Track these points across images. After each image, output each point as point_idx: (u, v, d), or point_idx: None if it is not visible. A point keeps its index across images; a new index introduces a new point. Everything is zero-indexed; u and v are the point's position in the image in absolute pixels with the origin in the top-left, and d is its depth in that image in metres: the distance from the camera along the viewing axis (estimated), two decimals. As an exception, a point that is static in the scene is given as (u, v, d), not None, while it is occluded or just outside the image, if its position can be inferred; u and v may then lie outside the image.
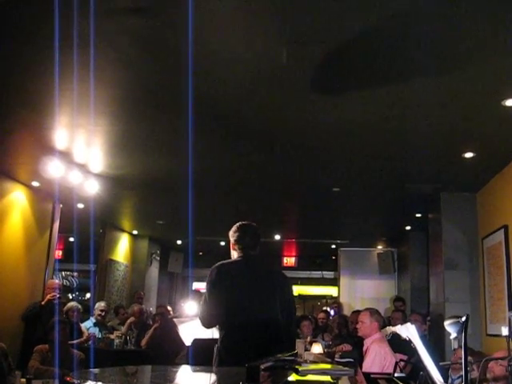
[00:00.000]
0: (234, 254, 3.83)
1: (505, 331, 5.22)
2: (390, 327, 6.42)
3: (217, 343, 3.54)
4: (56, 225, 8.25)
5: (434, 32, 3.41)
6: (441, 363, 4.63)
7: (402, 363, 3.65)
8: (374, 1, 3.14)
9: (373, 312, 5.02)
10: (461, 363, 4.27)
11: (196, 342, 4.25)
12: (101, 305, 8.25)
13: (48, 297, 7.24)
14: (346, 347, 6.18)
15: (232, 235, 3.84)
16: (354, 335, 6.41)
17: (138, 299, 9.99)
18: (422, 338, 3.78)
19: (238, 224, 3.89)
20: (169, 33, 3.54)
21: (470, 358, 4.38)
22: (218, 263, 3.69)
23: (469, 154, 5.53)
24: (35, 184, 7.37)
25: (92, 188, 6.92)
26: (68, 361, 5.86)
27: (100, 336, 7.69)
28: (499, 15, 3.19)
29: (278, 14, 3.31)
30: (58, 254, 9.54)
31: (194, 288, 15.69)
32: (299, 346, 4.96)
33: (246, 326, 3.47)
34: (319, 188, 7.30)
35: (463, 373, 2.26)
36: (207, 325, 3.65)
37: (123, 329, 7.99)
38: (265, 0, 3.19)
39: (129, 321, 8.04)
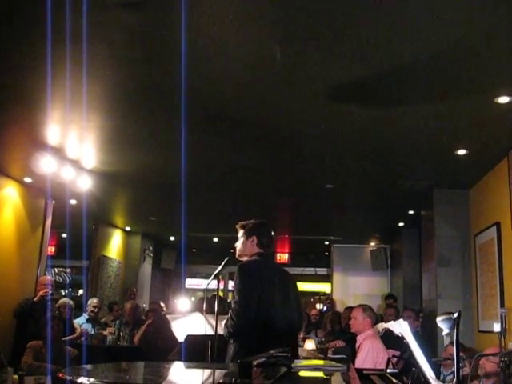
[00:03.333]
0: (249, 251, 3.86)
1: (497, 327, 5.26)
2: (383, 323, 6.43)
3: (234, 341, 3.56)
4: (48, 221, 8.22)
5: (427, 31, 3.42)
6: (433, 359, 4.66)
7: (395, 359, 3.65)
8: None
9: (365, 308, 5.03)
10: (452, 359, 4.28)
11: (189, 338, 4.24)
12: (93, 301, 8.23)
13: (40, 293, 7.21)
14: (339, 343, 6.20)
15: (251, 233, 3.87)
16: (347, 331, 6.41)
17: (131, 295, 9.97)
18: (415, 334, 3.79)
19: (257, 222, 3.94)
20: (162, 29, 3.53)
21: (461, 354, 4.40)
22: (245, 262, 3.77)
23: (461, 151, 5.55)
24: (27, 180, 7.34)
25: (84, 184, 6.90)
26: (61, 357, 5.85)
27: (93, 332, 7.67)
28: (493, 15, 3.20)
29: (273, 11, 3.31)
30: (51, 250, 9.50)
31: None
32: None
33: (275, 325, 3.55)
34: (312, 184, 7.31)
35: (455, 369, 2.26)
36: (244, 321, 3.49)
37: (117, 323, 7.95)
38: (258, -4, 3.19)
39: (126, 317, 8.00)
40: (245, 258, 3.86)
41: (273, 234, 3.99)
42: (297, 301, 3.90)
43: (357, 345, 4.93)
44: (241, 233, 3.93)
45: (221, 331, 3.66)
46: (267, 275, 3.71)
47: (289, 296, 3.80)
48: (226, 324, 3.57)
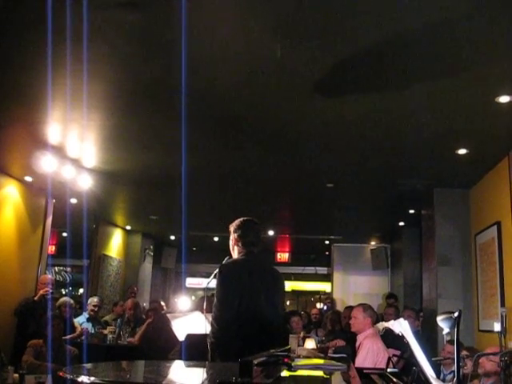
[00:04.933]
0: (235, 250, 3.81)
1: (497, 327, 5.25)
2: (383, 323, 6.42)
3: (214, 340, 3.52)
4: (49, 220, 8.22)
5: (430, 31, 3.41)
6: (433, 358, 4.66)
7: (395, 358, 3.66)
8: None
9: (366, 307, 5.02)
10: (452, 358, 4.29)
11: (189, 337, 4.24)
12: (94, 300, 8.23)
13: (41, 292, 7.22)
14: (339, 343, 6.19)
15: (235, 230, 3.81)
16: (347, 331, 6.42)
17: (131, 294, 9.98)
18: (415, 333, 3.79)
19: (241, 220, 3.86)
20: (162, 27, 3.53)
21: (463, 353, 4.40)
22: (226, 262, 3.70)
23: (462, 151, 5.55)
24: (28, 179, 7.35)
25: (85, 183, 6.90)
26: (61, 356, 5.86)
27: (93, 331, 7.68)
28: (494, 14, 3.20)
29: (273, 9, 3.31)
30: (51, 249, 9.50)
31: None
32: (292, 341, 4.97)
33: (255, 325, 3.48)
34: (313, 184, 7.31)
35: (455, 368, 2.26)
36: (224, 325, 3.47)
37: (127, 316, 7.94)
38: (259, -5, 3.19)
39: (127, 315, 8.00)
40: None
41: (259, 231, 3.88)
42: (280, 303, 3.81)
43: (357, 344, 4.93)
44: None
45: None
46: (249, 275, 3.61)
47: (275, 297, 3.68)
48: (208, 336, 3.51)
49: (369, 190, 7.45)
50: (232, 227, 3.85)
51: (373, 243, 11.79)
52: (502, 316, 5.31)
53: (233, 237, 3.83)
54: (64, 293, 11.25)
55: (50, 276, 7.99)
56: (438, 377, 4.58)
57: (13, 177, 7.30)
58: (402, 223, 9.75)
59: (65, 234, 10.27)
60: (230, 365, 2.81)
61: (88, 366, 2.93)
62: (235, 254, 3.81)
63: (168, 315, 5.22)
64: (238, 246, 3.79)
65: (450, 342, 5.29)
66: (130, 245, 12.09)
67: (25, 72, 4.20)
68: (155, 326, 7.38)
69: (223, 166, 6.62)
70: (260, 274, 3.71)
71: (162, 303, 9.78)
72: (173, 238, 12.55)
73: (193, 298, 13.07)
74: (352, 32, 3.50)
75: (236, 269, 3.64)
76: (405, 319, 2.79)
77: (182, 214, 7.65)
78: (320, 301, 14.51)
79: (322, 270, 14.46)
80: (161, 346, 6.56)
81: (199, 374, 2.66)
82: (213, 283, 4.16)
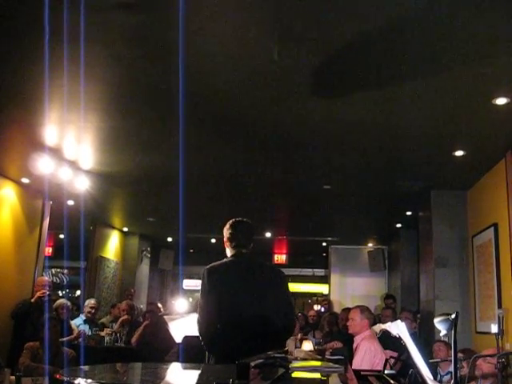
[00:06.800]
0: (227, 251, 3.82)
1: (494, 328, 5.26)
2: (381, 324, 6.43)
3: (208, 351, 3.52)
4: (46, 222, 8.21)
5: (425, 32, 3.42)
6: (430, 360, 4.66)
7: (392, 360, 3.66)
8: (366, 2, 3.15)
9: (363, 309, 5.02)
10: (450, 360, 4.30)
11: (186, 339, 4.24)
12: (91, 302, 8.22)
13: (38, 294, 7.20)
14: (337, 344, 6.20)
15: (225, 232, 3.81)
16: (345, 332, 6.42)
17: (128, 296, 9.97)
18: (412, 335, 3.79)
19: (231, 221, 3.85)
20: (160, 29, 3.53)
21: (460, 354, 4.41)
22: (209, 266, 3.65)
23: (459, 153, 5.56)
24: (25, 181, 7.33)
25: (82, 185, 6.90)
26: (58, 358, 5.84)
27: (90, 333, 7.67)
28: (491, 16, 3.20)
29: (271, 11, 3.31)
30: (48, 250, 9.50)
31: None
32: (289, 343, 4.97)
33: (242, 328, 3.43)
34: (310, 186, 7.31)
35: (453, 370, 2.26)
36: (205, 328, 3.46)
37: (115, 326, 7.94)
38: (256, -3, 3.19)
39: (121, 318, 7.98)
40: None
41: (250, 231, 3.86)
42: (281, 300, 3.63)
43: (354, 346, 4.93)
44: None
45: None
46: (235, 277, 3.59)
47: (265, 297, 3.58)
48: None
49: (366, 191, 7.46)
50: (224, 228, 3.87)
51: (370, 245, 11.80)
52: (499, 318, 5.32)
53: (225, 238, 3.84)
54: (61, 295, 11.25)
55: (46, 278, 7.97)
56: (434, 378, 4.58)
57: (10, 178, 7.28)
58: (399, 225, 9.76)
59: (62, 236, 10.24)
60: (227, 366, 2.81)
61: (85, 368, 2.92)
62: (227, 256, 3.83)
63: (165, 317, 5.21)
64: (228, 247, 3.80)
65: (439, 340, 5.37)
66: (127, 247, 12.07)
67: (22, 73, 4.20)
68: (152, 328, 7.37)
69: (221, 168, 6.62)
70: (248, 274, 3.65)
71: (159, 305, 9.76)
72: (170, 239, 12.54)
73: (190, 299, 13.06)
74: (349, 32, 3.51)
75: (219, 271, 3.60)
76: (402, 321, 2.80)
77: (179, 216, 7.64)
78: (317, 303, 14.48)
79: (320, 272, 14.46)
80: (158, 348, 6.56)
81: (196, 376, 2.66)
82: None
